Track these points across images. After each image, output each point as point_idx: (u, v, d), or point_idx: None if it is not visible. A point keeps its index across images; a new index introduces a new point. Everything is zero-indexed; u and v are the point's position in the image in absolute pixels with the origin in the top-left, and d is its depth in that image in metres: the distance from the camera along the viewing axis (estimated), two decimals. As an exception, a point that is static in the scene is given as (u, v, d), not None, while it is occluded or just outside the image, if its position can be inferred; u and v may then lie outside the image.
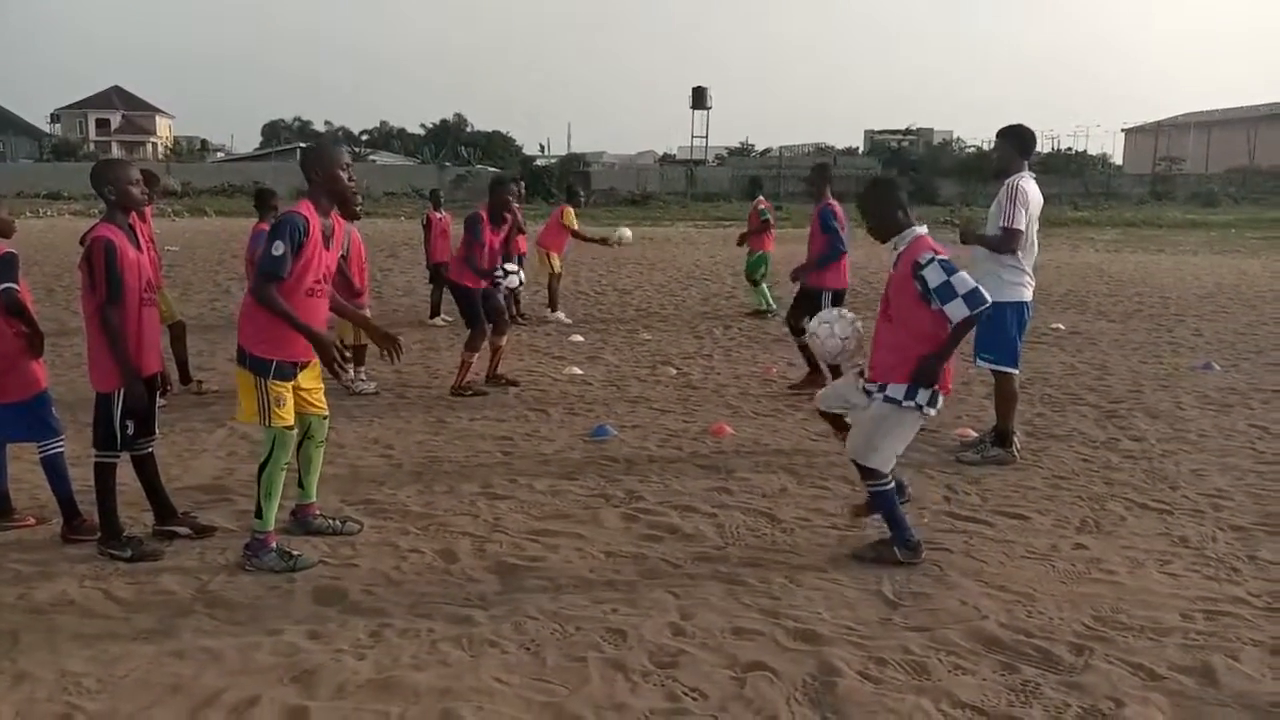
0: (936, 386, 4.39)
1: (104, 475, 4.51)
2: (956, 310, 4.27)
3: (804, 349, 8.20)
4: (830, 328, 5.22)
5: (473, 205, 33.91)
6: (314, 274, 4.33)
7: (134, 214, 4.62)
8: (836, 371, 8.05)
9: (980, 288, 4.32)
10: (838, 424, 4.96)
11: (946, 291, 4.27)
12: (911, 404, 4.38)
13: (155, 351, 4.61)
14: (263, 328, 4.30)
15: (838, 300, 8.04)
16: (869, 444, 4.44)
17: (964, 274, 4.31)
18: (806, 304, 8.07)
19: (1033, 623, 3.88)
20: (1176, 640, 3.73)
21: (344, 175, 4.38)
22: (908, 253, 4.43)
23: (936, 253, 4.34)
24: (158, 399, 4.70)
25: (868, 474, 4.47)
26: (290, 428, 4.40)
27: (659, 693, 3.34)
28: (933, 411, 4.45)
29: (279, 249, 4.16)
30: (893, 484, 4.50)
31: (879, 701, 3.27)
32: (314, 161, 4.39)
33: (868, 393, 4.57)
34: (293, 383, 4.42)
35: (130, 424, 4.50)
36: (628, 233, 14.53)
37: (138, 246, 4.50)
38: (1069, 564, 4.50)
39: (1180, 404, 7.82)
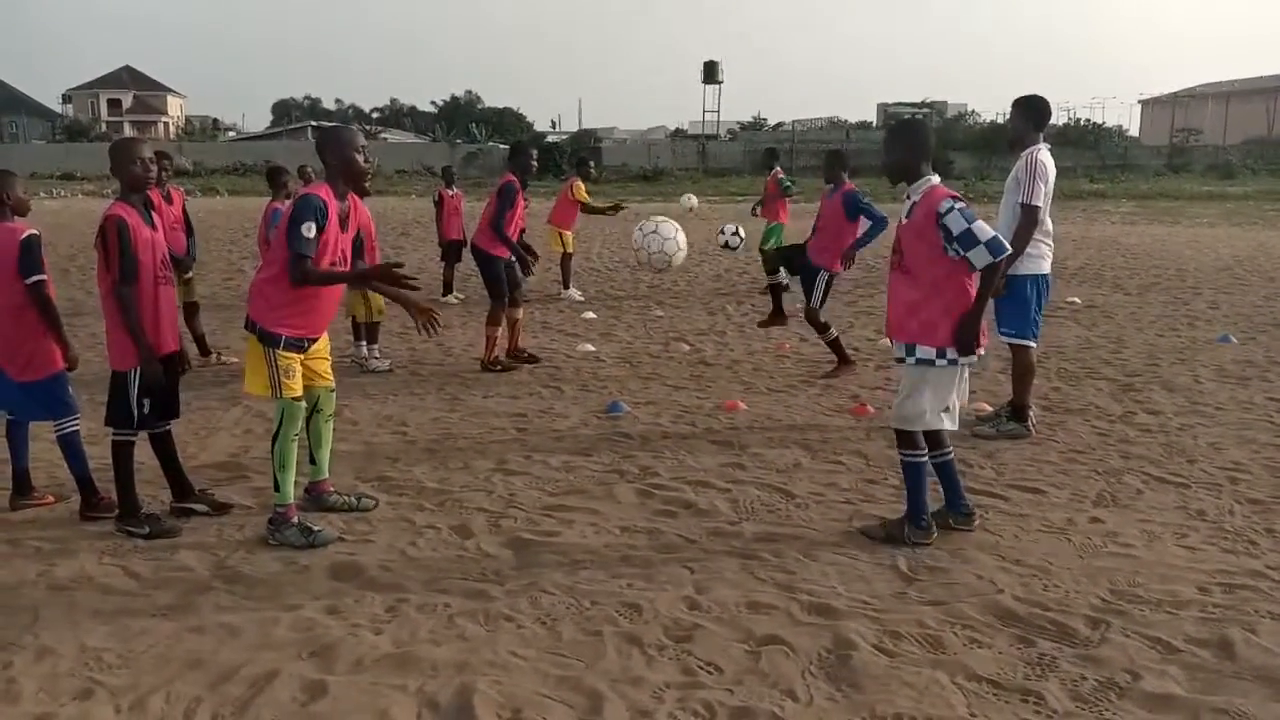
0: (944, 343, 4.30)
1: (121, 453, 4.54)
2: (980, 257, 4.17)
3: (832, 344, 8.14)
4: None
5: (486, 183, 33.39)
6: (330, 255, 4.35)
7: (157, 195, 4.65)
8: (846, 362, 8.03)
9: (999, 235, 4.25)
10: (933, 439, 4.54)
11: (968, 238, 4.17)
12: (944, 362, 4.31)
13: (172, 330, 4.62)
14: (276, 305, 4.33)
15: (830, 283, 8.03)
16: (911, 408, 4.37)
17: (982, 221, 4.23)
18: (810, 290, 8.04)
19: (1049, 596, 3.87)
20: (1193, 613, 3.72)
21: (359, 157, 4.41)
22: (925, 201, 4.31)
23: (955, 199, 4.27)
24: (178, 379, 4.72)
25: (904, 441, 4.42)
26: (299, 399, 4.43)
27: (674, 666, 3.35)
28: (972, 359, 4.37)
29: (310, 230, 4.19)
30: (925, 459, 4.43)
31: (894, 675, 3.28)
32: (330, 144, 4.42)
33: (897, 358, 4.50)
34: (302, 355, 4.45)
35: (146, 403, 4.52)
36: (694, 199, 14.57)
37: (152, 225, 4.51)
38: (1085, 538, 4.49)
39: (1197, 377, 7.76)
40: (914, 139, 4.49)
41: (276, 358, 4.34)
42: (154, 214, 4.61)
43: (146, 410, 4.53)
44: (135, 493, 4.59)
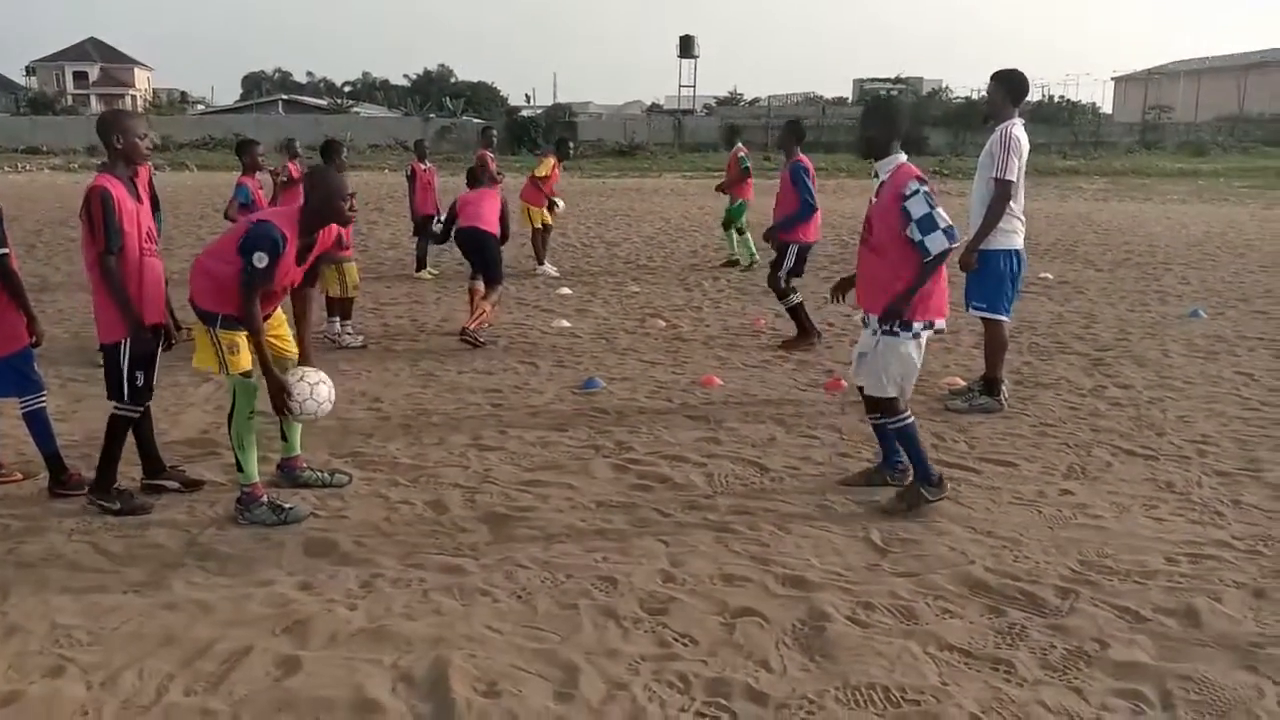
0: (914, 317, 4.40)
1: (115, 427, 4.49)
2: (936, 242, 4.26)
3: (792, 310, 8.17)
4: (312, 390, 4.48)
5: (458, 158, 32.96)
6: (278, 284, 4.32)
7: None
8: (807, 328, 8.08)
9: (953, 226, 4.32)
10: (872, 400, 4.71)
11: (928, 223, 4.26)
12: (908, 335, 4.40)
13: (157, 303, 4.55)
14: (216, 290, 4.27)
15: (804, 254, 8.00)
16: (878, 377, 4.48)
17: (942, 209, 4.32)
18: (779, 260, 8.05)
19: (1019, 567, 3.92)
20: (1161, 583, 3.77)
21: (344, 205, 4.36)
22: (892, 181, 4.41)
23: (922, 183, 4.33)
24: (158, 353, 4.65)
25: (886, 409, 4.49)
26: (248, 374, 4.37)
27: (650, 639, 3.37)
28: (929, 333, 4.47)
29: (262, 261, 4.13)
30: (912, 419, 4.53)
31: (867, 645, 3.31)
32: (318, 187, 4.36)
33: (867, 327, 4.61)
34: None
35: (140, 375, 4.45)
36: (560, 204, 14.25)
37: (138, 198, 4.44)
38: (1055, 509, 4.54)
39: (1167, 351, 7.85)
40: (887, 116, 4.57)
41: (218, 335, 4.28)
42: (139, 187, 4.54)
43: (140, 382, 4.47)
44: (116, 468, 4.53)
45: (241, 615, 3.52)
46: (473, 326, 8.08)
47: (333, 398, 4.57)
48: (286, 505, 4.41)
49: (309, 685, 3.07)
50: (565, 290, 10.91)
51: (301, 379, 4.44)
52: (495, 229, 8.27)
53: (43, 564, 3.94)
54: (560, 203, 13.12)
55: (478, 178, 8.90)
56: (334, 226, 4.54)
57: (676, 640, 3.36)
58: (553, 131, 19.21)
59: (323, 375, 4.57)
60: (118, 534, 4.24)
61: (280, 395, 4.33)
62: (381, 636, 3.37)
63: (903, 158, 4.47)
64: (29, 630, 3.40)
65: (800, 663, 3.22)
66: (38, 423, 4.72)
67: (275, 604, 3.60)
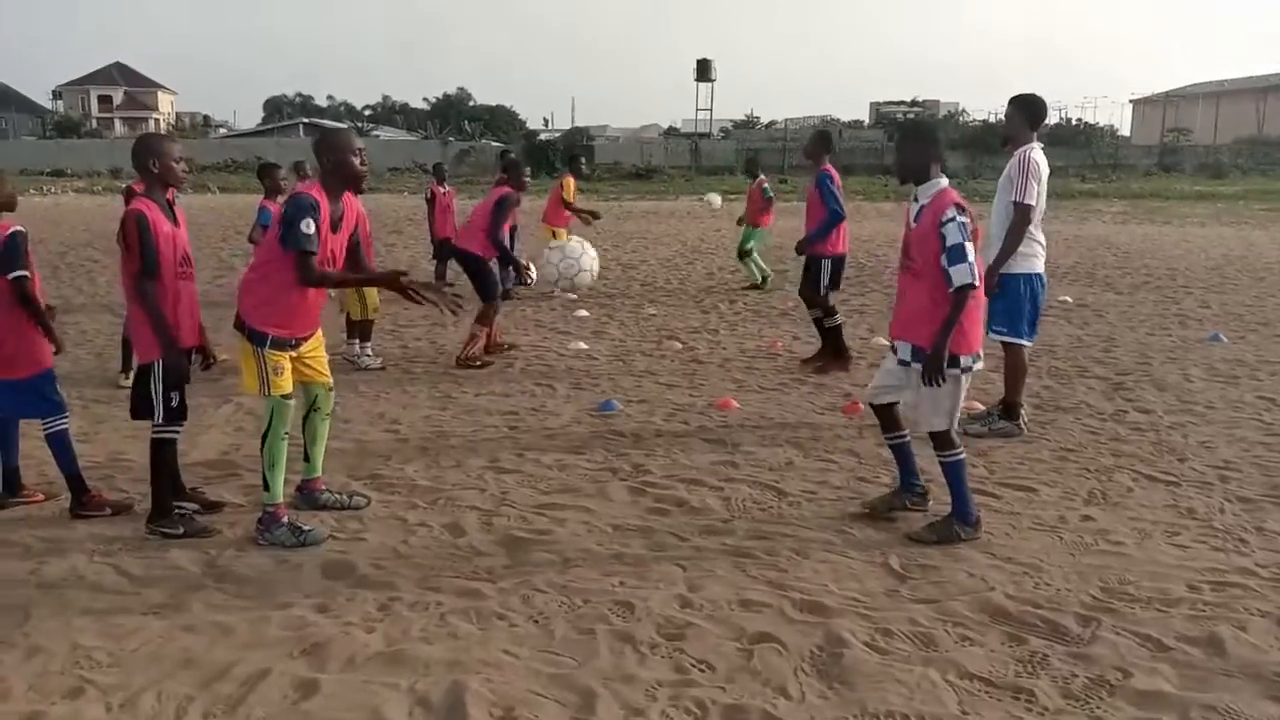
0: (958, 351, 4.36)
1: (157, 451, 4.51)
2: (961, 275, 4.22)
3: (818, 322, 8.15)
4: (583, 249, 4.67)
5: (478, 181, 33.16)
6: (319, 257, 4.34)
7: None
8: (841, 351, 8.04)
9: (976, 266, 4.31)
10: (888, 420, 4.75)
11: (958, 254, 4.23)
12: (955, 371, 4.36)
13: (193, 325, 4.59)
14: (263, 302, 4.33)
15: (838, 267, 7.95)
16: (930, 412, 4.44)
17: (973, 244, 4.30)
18: (811, 274, 8.00)
19: (1040, 594, 3.88)
20: (1184, 611, 3.73)
21: (355, 159, 4.40)
22: (932, 206, 4.36)
23: (961, 211, 4.30)
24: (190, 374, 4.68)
25: (940, 443, 4.46)
26: (288, 397, 4.41)
27: (667, 664, 3.35)
28: (977, 366, 4.46)
29: (309, 226, 4.19)
30: (964, 454, 4.51)
31: (886, 672, 3.28)
32: (326, 147, 4.41)
33: (896, 355, 4.56)
34: (292, 353, 4.44)
35: (175, 396, 4.48)
36: (717, 199, 14.39)
37: (174, 221, 4.51)
38: (1076, 535, 4.50)
39: (1188, 376, 7.79)
40: (926, 140, 4.54)
41: (265, 356, 4.33)
42: (175, 210, 4.60)
43: (175, 404, 4.50)
44: (169, 493, 4.54)
45: (260, 638, 3.53)
46: (464, 355, 8.10)
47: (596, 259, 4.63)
48: (306, 527, 4.43)
49: (327, 708, 3.08)
50: (582, 312, 10.93)
51: (560, 247, 4.54)
52: (477, 248, 8.24)
53: (64, 585, 3.97)
54: (716, 199, 13.49)
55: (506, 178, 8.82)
56: (358, 209, 4.58)
57: (694, 666, 3.34)
58: (568, 155, 19.52)
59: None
60: (138, 556, 4.27)
61: (434, 293, 4.37)
62: (399, 660, 3.37)
63: (944, 182, 4.45)
64: (50, 651, 3.42)
65: (818, 690, 3.20)
66: (60, 444, 4.76)
67: (293, 627, 3.61)
